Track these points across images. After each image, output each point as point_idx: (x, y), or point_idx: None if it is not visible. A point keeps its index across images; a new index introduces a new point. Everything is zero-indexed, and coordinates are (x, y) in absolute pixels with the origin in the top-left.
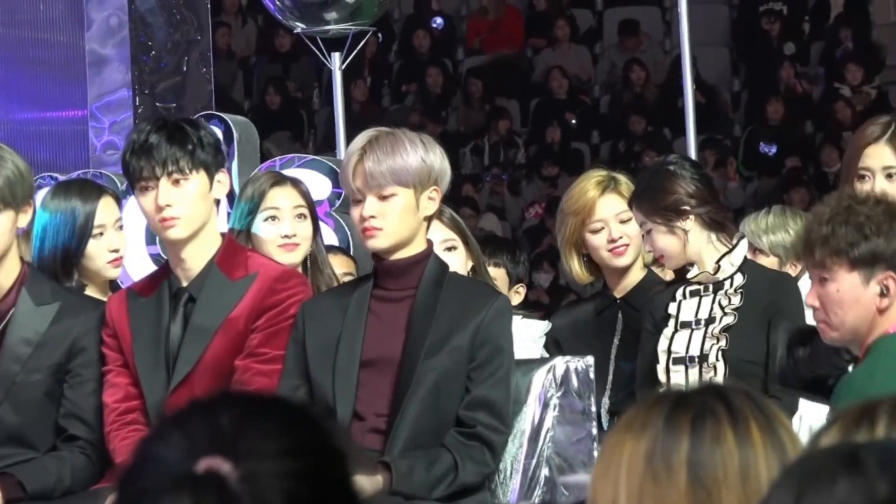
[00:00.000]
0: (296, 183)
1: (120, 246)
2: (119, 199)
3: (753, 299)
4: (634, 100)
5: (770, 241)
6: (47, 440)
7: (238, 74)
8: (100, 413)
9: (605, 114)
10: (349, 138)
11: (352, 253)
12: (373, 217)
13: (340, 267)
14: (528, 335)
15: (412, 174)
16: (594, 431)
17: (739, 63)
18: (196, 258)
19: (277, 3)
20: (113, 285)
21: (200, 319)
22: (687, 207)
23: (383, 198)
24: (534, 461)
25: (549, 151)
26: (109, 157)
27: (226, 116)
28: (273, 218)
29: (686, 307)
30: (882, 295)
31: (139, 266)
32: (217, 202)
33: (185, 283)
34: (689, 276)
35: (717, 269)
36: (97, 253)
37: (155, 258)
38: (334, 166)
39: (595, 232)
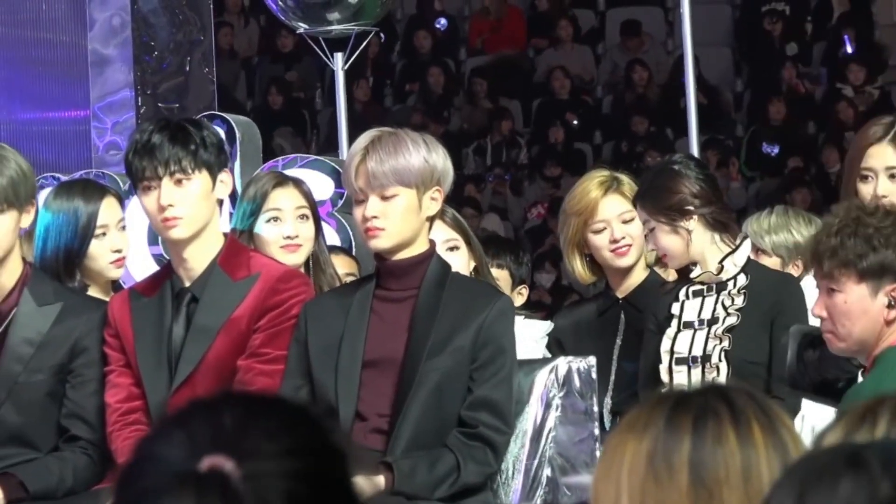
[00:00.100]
0: (298, 183)
1: (122, 246)
2: (122, 200)
3: (756, 300)
4: (637, 100)
5: (772, 241)
6: (49, 440)
7: (241, 75)
8: (102, 413)
9: (607, 114)
10: (352, 138)
11: (354, 253)
12: (375, 217)
13: (343, 267)
14: (530, 335)
15: (415, 174)
16: (596, 432)
17: (742, 63)
18: (198, 258)
19: (280, 3)
20: (115, 285)
21: (203, 319)
22: (691, 207)
23: (385, 198)
24: (536, 461)
25: (551, 152)
26: (112, 158)
27: (228, 116)
28: (275, 219)
29: (689, 307)
30: (890, 306)
31: (142, 266)
32: (220, 202)
33: (187, 284)
34: (692, 276)
35: (721, 270)
36: (100, 253)
37: (157, 258)
38: (337, 166)
39: (597, 232)
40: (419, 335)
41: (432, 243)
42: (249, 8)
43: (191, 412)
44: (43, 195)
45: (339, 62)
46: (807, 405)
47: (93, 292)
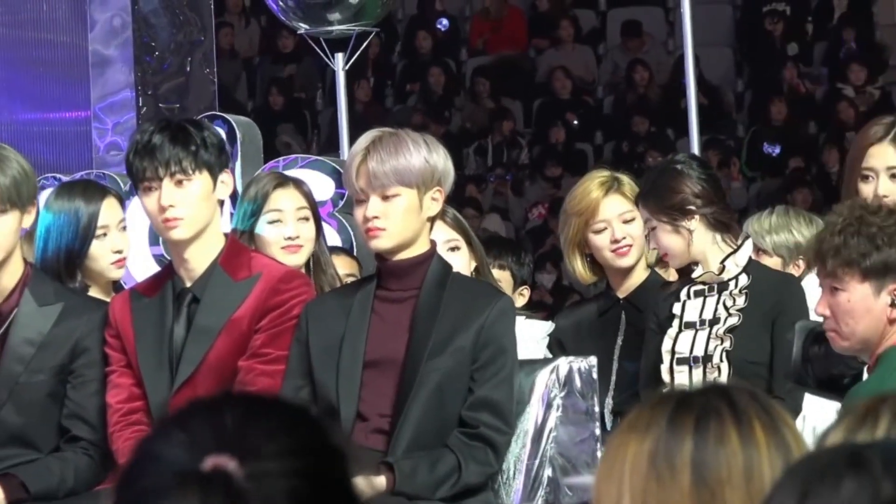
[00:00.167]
0: (298, 184)
1: (123, 247)
2: (122, 200)
3: (758, 300)
4: (638, 100)
5: (773, 241)
6: (50, 441)
7: (241, 75)
8: (103, 414)
9: (608, 114)
10: (352, 139)
11: (355, 253)
12: (376, 217)
13: (343, 268)
14: (531, 335)
15: (415, 174)
16: (597, 432)
17: (743, 63)
18: (199, 259)
19: (281, 3)
20: (116, 286)
21: (204, 320)
22: (692, 207)
23: (386, 198)
24: (537, 461)
25: (552, 152)
26: (113, 158)
27: (229, 117)
28: (276, 220)
29: (690, 307)
30: (893, 305)
31: (142, 267)
32: (221, 203)
33: (188, 284)
34: (693, 276)
35: (722, 270)
36: (100, 254)
37: (158, 259)
38: (337, 167)
39: (598, 232)
40: (420, 335)
41: (433, 244)
42: (250, 8)
43: (191, 412)
44: (44, 196)
45: (339, 62)
46: (809, 404)
47: (94, 293)
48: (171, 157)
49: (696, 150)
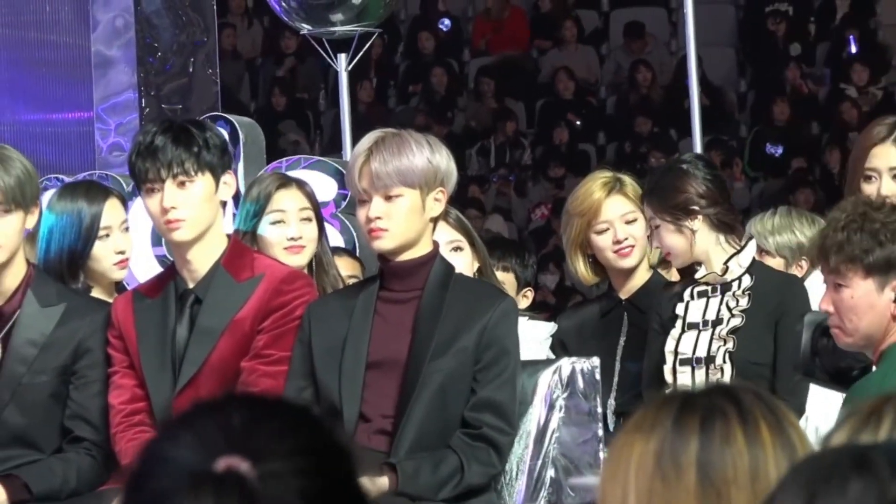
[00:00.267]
0: (301, 185)
1: (126, 247)
2: (125, 201)
3: (761, 301)
4: (640, 101)
5: (776, 241)
6: (53, 442)
7: (244, 76)
8: (106, 414)
9: (611, 115)
10: (355, 139)
11: (358, 254)
12: (378, 218)
13: (345, 269)
14: (533, 336)
15: (418, 175)
16: (600, 432)
17: (745, 64)
18: (202, 260)
19: (283, 4)
20: (119, 287)
21: (206, 321)
22: (696, 207)
23: (389, 198)
24: (539, 462)
25: (555, 152)
26: (115, 159)
27: (231, 118)
28: (279, 221)
29: (693, 308)
30: None
31: (145, 267)
32: (223, 203)
33: (191, 285)
34: (696, 276)
35: (725, 271)
36: (103, 255)
37: (161, 260)
38: (340, 167)
39: (600, 233)
40: (423, 336)
41: (436, 244)
42: (253, 9)
43: (197, 414)
44: (46, 197)
45: (342, 63)
46: (811, 405)
47: (96, 294)
48: (174, 159)
49: (698, 150)
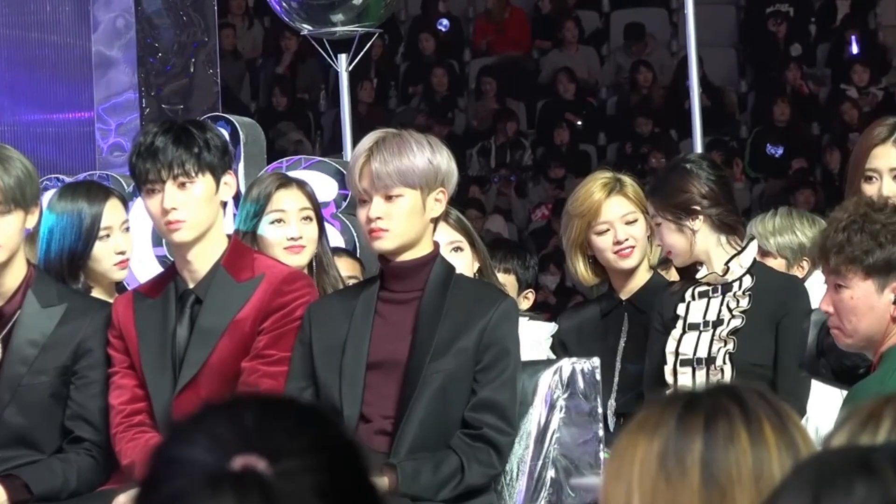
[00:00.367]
0: (301, 185)
1: (126, 248)
2: (125, 201)
3: (761, 302)
4: (641, 101)
5: (777, 242)
6: (53, 442)
7: (245, 76)
8: (106, 415)
9: (611, 115)
10: (356, 140)
11: (359, 255)
12: (379, 218)
13: (345, 270)
14: (534, 337)
15: (419, 175)
16: (600, 433)
17: (746, 64)
18: (202, 260)
19: (284, 4)
20: (119, 287)
21: (207, 321)
22: (697, 207)
23: (390, 199)
24: (540, 463)
25: (555, 153)
26: (116, 159)
27: (232, 118)
28: (279, 220)
29: (694, 308)
30: None
31: (145, 268)
32: (224, 204)
33: (191, 285)
34: (697, 276)
35: (726, 271)
36: (103, 255)
37: (161, 260)
38: (341, 168)
39: (600, 234)
40: (423, 337)
41: (437, 245)
42: (254, 9)
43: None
44: (47, 197)
45: (342, 63)
46: (812, 405)
47: (96, 294)
48: (174, 160)
49: (699, 150)
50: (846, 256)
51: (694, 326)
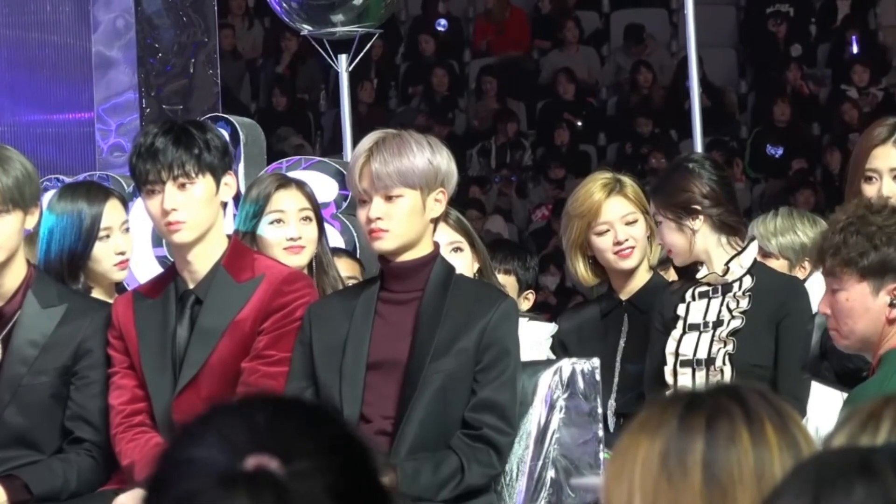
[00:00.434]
0: (300, 185)
1: (126, 248)
2: (125, 202)
3: (761, 302)
4: (641, 102)
5: (779, 243)
6: (53, 442)
7: (245, 76)
8: (106, 415)
9: (611, 116)
10: (356, 140)
11: (359, 255)
12: (379, 219)
13: (345, 270)
14: (534, 337)
15: (419, 176)
16: (600, 433)
17: (746, 65)
18: (203, 260)
19: (284, 5)
20: (119, 288)
21: (207, 321)
22: (698, 207)
23: (390, 199)
24: (540, 463)
25: (555, 153)
26: (116, 160)
27: (232, 118)
28: (278, 221)
29: (695, 309)
30: (892, 305)
31: (145, 268)
32: (224, 204)
33: (191, 286)
34: (697, 276)
35: (726, 271)
36: (103, 255)
37: (161, 260)
38: (341, 168)
39: (600, 234)
40: (423, 337)
41: (437, 245)
42: (254, 9)
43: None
44: (47, 197)
45: (343, 64)
46: (812, 406)
47: (96, 294)
48: (174, 161)
49: (699, 151)
50: (841, 258)
51: (694, 327)
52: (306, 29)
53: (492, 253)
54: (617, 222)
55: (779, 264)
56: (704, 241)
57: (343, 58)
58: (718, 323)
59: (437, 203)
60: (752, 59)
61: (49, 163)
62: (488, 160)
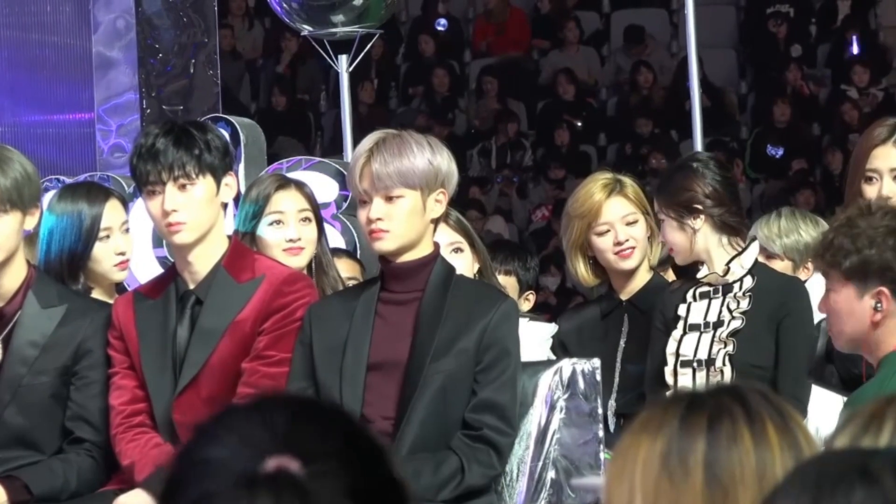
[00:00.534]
0: (300, 186)
1: (126, 249)
2: (125, 202)
3: (762, 302)
4: (641, 102)
5: (784, 244)
6: (53, 443)
7: (245, 77)
8: (106, 415)
9: (612, 116)
10: (356, 141)
11: (359, 255)
12: (379, 219)
13: (345, 271)
14: (534, 337)
15: (419, 176)
16: (601, 434)
17: (746, 65)
18: (203, 261)
19: (284, 5)
20: (119, 288)
21: (207, 322)
22: (700, 207)
23: (390, 199)
24: (540, 463)
25: (556, 154)
26: (116, 160)
27: (232, 119)
28: (278, 222)
29: (695, 309)
30: (876, 309)
31: (146, 269)
32: (224, 205)
33: (192, 286)
34: (698, 276)
35: (727, 272)
36: (103, 256)
37: (161, 261)
38: (341, 168)
39: (601, 235)
40: (423, 338)
41: (437, 246)
42: (254, 10)
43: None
44: (47, 198)
45: (343, 64)
46: (812, 407)
47: (97, 295)
48: (175, 162)
49: (699, 151)
50: (828, 260)
51: (694, 327)
52: (306, 29)
53: (492, 253)
54: (617, 223)
55: (784, 266)
56: (705, 241)
57: (343, 58)
58: (719, 323)
59: (438, 203)
60: (752, 60)
61: (49, 163)
62: (488, 160)
